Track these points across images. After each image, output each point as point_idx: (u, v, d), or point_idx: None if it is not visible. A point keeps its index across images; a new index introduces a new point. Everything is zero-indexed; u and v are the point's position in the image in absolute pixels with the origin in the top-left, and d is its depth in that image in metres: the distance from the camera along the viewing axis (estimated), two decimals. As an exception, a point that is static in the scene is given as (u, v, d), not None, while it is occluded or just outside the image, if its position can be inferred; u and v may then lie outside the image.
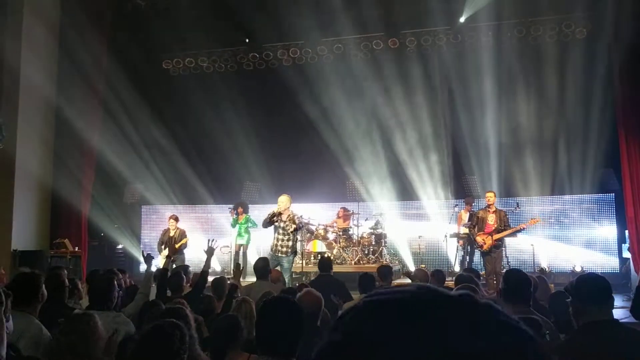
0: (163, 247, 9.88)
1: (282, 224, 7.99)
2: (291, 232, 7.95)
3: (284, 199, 8.09)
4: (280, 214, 8.04)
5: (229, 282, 5.17)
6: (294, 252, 8.26)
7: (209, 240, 5.49)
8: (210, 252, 5.37)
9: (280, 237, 7.98)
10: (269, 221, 8.06)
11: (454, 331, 0.56)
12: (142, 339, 2.38)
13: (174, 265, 8.47)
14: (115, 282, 3.67)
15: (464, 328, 0.56)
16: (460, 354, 0.54)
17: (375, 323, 0.58)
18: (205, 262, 5.34)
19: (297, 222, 8.02)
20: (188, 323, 2.83)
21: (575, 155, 10.42)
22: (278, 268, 7.42)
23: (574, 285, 2.64)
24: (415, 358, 0.55)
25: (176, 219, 10.09)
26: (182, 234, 9.96)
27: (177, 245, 9.72)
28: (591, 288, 2.56)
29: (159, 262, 10.04)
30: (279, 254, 7.81)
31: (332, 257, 8.86)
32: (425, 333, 0.55)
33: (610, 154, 10.03)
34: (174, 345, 2.28)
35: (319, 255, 9.45)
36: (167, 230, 10.08)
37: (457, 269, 9.76)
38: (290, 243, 7.96)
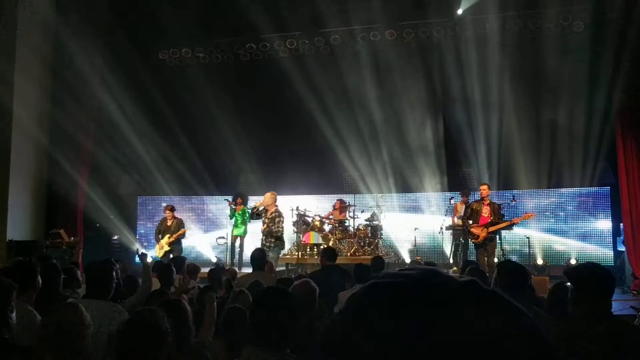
0: (160, 236, 9.89)
1: (266, 221, 8.56)
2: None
3: (268, 196, 8.67)
4: (266, 210, 8.57)
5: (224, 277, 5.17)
6: (278, 244, 8.63)
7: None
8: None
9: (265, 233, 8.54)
10: (255, 216, 8.81)
11: (457, 316, 0.56)
12: (123, 328, 2.40)
13: (171, 256, 8.50)
14: (114, 272, 3.65)
15: (468, 313, 0.56)
16: (464, 338, 0.54)
17: (380, 305, 0.58)
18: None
19: (274, 230, 8.48)
20: (185, 316, 2.85)
21: (571, 148, 10.43)
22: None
23: (578, 273, 2.60)
24: (415, 341, 0.55)
25: (172, 209, 10.07)
26: (180, 224, 9.95)
27: (174, 236, 9.71)
28: (596, 279, 2.51)
29: (155, 252, 10.09)
30: (265, 249, 8.02)
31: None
32: (428, 316, 0.56)
33: (607, 147, 10.06)
34: (155, 332, 2.30)
35: (322, 246, 9.49)
36: (164, 220, 10.07)
37: (452, 260, 9.83)
38: (272, 238, 8.46)
